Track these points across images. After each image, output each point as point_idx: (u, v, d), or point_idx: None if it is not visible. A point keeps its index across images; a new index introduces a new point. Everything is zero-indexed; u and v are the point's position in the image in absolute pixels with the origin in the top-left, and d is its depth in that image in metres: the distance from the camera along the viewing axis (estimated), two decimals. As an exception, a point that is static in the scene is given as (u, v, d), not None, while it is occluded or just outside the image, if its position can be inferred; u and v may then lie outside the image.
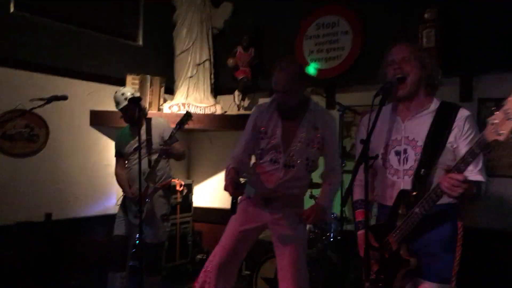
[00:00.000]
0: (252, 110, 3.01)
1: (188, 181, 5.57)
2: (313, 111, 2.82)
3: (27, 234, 4.38)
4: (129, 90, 3.86)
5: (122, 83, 5.19)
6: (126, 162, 3.94)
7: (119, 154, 4.00)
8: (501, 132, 1.61)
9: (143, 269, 3.47)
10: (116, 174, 4.00)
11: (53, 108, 3.85)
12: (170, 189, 4.04)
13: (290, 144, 2.77)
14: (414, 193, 2.07)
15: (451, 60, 4.15)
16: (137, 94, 3.86)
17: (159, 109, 5.34)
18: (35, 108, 3.49)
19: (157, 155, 3.74)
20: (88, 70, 4.97)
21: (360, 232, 2.29)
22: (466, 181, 1.83)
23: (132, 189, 3.80)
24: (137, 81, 5.21)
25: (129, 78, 5.20)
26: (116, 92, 3.80)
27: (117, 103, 3.77)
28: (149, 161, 3.77)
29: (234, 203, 2.74)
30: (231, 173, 2.73)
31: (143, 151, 3.71)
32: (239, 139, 2.95)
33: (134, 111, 3.66)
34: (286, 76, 2.70)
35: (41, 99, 3.45)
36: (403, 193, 2.13)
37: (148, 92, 5.25)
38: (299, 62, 3.00)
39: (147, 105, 5.19)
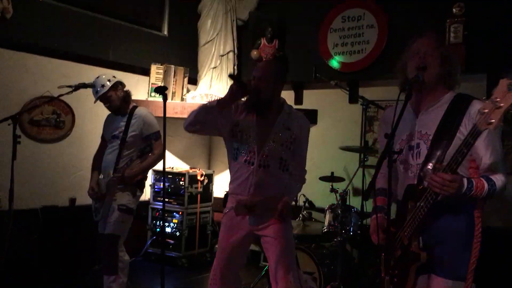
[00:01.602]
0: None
1: (209, 171, 5.62)
2: (288, 113, 2.84)
3: (52, 218, 4.49)
4: (102, 80, 3.65)
5: (147, 72, 5.26)
6: (105, 147, 3.81)
7: (102, 138, 3.90)
8: (491, 121, 1.69)
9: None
10: (93, 158, 3.89)
11: (79, 96, 3.92)
12: (137, 183, 3.72)
13: (264, 144, 2.77)
14: (420, 187, 2.06)
15: (479, 56, 4.09)
16: (108, 84, 3.64)
17: (182, 99, 5.39)
18: (63, 95, 3.56)
19: (130, 151, 3.65)
20: (113, 58, 5.03)
21: (378, 215, 2.24)
22: (455, 180, 1.85)
23: (91, 183, 3.73)
24: (161, 71, 5.27)
25: (153, 68, 5.26)
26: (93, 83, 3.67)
27: (93, 94, 3.66)
28: (119, 153, 3.64)
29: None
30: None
31: (117, 142, 3.64)
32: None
33: (110, 101, 3.64)
34: (268, 66, 2.87)
35: (69, 86, 3.52)
36: (410, 187, 2.12)
37: (172, 82, 5.31)
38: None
39: (170, 94, 5.24)
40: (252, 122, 2.81)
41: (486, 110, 1.70)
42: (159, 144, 3.71)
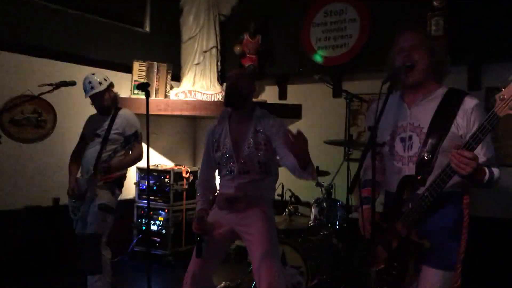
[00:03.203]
0: (206, 131, 3.10)
1: (194, 168, 5.60)
2: (259, 117, 2.90)
3: (35, 218, 4.43)
4: (98, 76, 3.69)
5: (129, 69, 5.21)
6: (85, 146, 3.81)
7: (81, 137, 3.88)
8: None
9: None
10: (70, 158, 3.87)
11: (60, 94, 3.87)
12: (116, 182, 3.71)
13: (240, 151, 2.84)
14: (419, 177, 2.07)
15: (459, 49, 4.13)
16: (105, 83, 3.68)
17: (165, 96, 5.36)
18: (43, 93, 3.51)
19: (113, 146, 3.65)
20: (95, 56, 4.98)
21: (365, 207, 2.27)
22: (475, 158, 1.82)
23: (71, 183, 3.73)
24: (144, 68, 5.23)
25: (136, 65, 5.21)
26: (84, 79, 3.67)
27: (85, 90, 3.67)
28: (101, 150, 3.63)
29: (200, 241, 2.80)
30: (199, 214, 2.87)
31: (99, 140, 3.65)
32: (201, 162, 3.11)
33: (102, 100, 3.66)
34: (239, 70, 3.18)
35: (49, 85, 3.47)
36: (406, 178, 2.14)
37: (155, 79, 5.27)
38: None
39: (153, 91, 5.22)
40: (227, 133, 2.91)
41: (505, 96, 1.73)
42: (139, 144, 3.75)
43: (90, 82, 3.63)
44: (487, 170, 1.95)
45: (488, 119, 1.78)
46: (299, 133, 2.31)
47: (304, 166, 2.47)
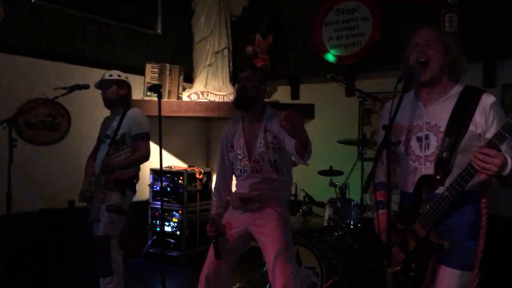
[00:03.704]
0: (222, 134, 3.11)
1: (207, 169, 5.61)
2: (268, 116, 2.91)
3: (51, 220, 4.47)
4: (114, 71, 3.74)
5: (142, 71, 5.23)
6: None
7: (98, 140, 3.88)
8: None
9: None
10: (87, 161, 3.88)
11: (74, 97, 3.90)
12: (126, 183, 3.68)
13: (252, 151, 2.87)
14: (438, 177, 2.04)
15: (474, 45, 4.09)
16: (116, 75, 3.71)
17: (178, 97, 5.37)
18: (58, 97, 3.53)
19: (120, 147, 3.58)
20: (107, 59, 5.01)
21: (381, 212, 2.25)
22: (498, 156, 1.77)
23: (84, 186, 3.72)
24: (156, 70, 5.25)
25: (148, 67, 5.23)
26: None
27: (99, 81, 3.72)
28: (107, 152, 3.61)
29: (215, 243, 2.81)
30: (213, 217, 2.92)
31: (108, 141, 3.64)
32: (217, 166, 3.12)
33: (108, 92, 3.66)
34: (250, 71, 3.15)
35: (63, 88, 3.50)
36: (424, 178, 2.10)
37: (167, 81, 5.28)
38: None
39: (166, 92, 5.23)
40: (241, 134, 2.94)
41: None
42: (145, 143, 3.69)
43: (101, 77, 3.69)
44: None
45: None
46: (292, 110, 2.22)
47: (305, 144, 2.41)
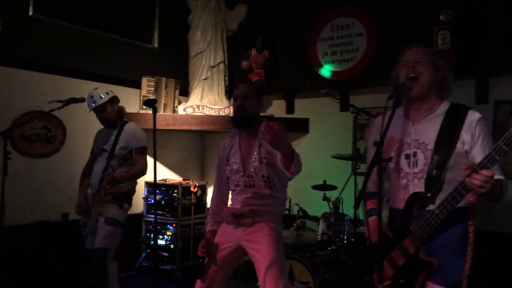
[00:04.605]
0: (218, 148, 3.13)
1: (202, 182, 5.61)
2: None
3: (44, 233, 4.45)
4: (100, 91, 3.77)
5: (138, 85, 5.26)
6: (94, 161, 3.89)
7: (92, 152, 3.97)
8: None
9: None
10: (81, 173, 3.96)
11: (69, 110, 3.91)
12: (124, 196, 3.74)
13: (247, 166, 2.89)
14: (429, 195, 2.07)
15: (467, 62, 4.12)
16: (106, 96, 3.75)
17: (173, 111, 5.39)
18: (53, 110, 3.56)
19: (117, 161, 3.64)
20: (104, 72, 5.03)
21: (372, 218, 2.27)
22: (492, 176, 1.81)
23: (79, 199, 3.79)
24: (152, 83, 5.27)
25: (144, 80, 5.26)
26: (87, 95, 3.75)
27: (88, 105, 3.74)
28: (106, 166, 3.68)
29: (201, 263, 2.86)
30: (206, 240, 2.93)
31: (105, 155, 3.70)
32: (214, 181, 3.15)
33: (105, 113, 3.71)
34: (247, 86, 3.09)
35: (59, 101, 3.52)
36: (415, 195, 2.12)
37: (163, 94, 5.31)
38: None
39: (161, 106, 5.25)
40: (237, 149, 2.96)
41: None
42: (143, 158, 3.75)
43: (92, 97, 3.71)
44: (498, 184, 1.93)
45: (504, 140, 1.76)
46: (273, 122, 2.30)
47: (288, 155, 2.44)
